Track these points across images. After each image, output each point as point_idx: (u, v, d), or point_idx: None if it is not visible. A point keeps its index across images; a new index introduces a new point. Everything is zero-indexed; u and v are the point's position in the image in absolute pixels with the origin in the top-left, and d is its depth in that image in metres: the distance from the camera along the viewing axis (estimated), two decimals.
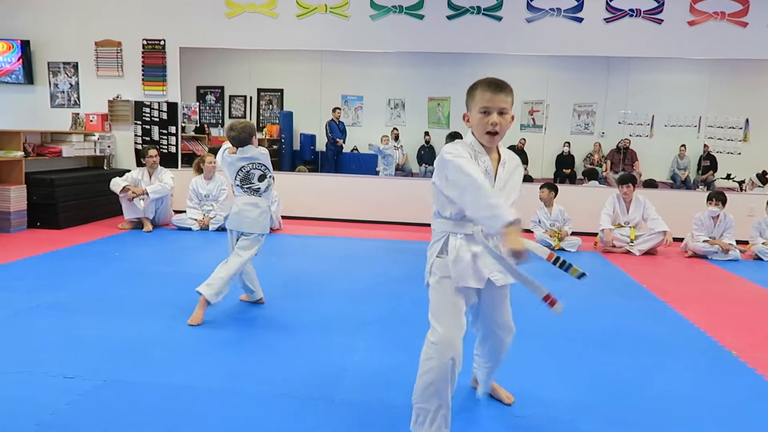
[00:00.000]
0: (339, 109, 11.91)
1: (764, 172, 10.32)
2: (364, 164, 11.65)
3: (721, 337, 3.61)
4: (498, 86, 2.03)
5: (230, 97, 12.78)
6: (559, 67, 11.67)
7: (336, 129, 11.55)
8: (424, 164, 12.65)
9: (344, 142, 11.83)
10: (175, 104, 8.18)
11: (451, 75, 12.70)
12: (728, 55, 7.63)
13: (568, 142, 12.11)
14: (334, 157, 11.60)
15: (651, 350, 3.36)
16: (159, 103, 8.18)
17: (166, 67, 8.18)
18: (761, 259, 6.27)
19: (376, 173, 10.89)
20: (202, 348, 3.16)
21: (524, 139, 10.28)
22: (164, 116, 8.18)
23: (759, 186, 10.13)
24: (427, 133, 12.95)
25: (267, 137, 12.92)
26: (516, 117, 12.71)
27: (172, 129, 8.20)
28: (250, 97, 13.43)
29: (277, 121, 12.99)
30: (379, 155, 11.60)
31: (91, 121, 8.14)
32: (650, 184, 10.03)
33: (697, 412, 2.59)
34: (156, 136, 8.21)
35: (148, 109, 8.18)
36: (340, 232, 7.21)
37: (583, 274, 1.98)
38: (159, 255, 5.52)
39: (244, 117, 13.39)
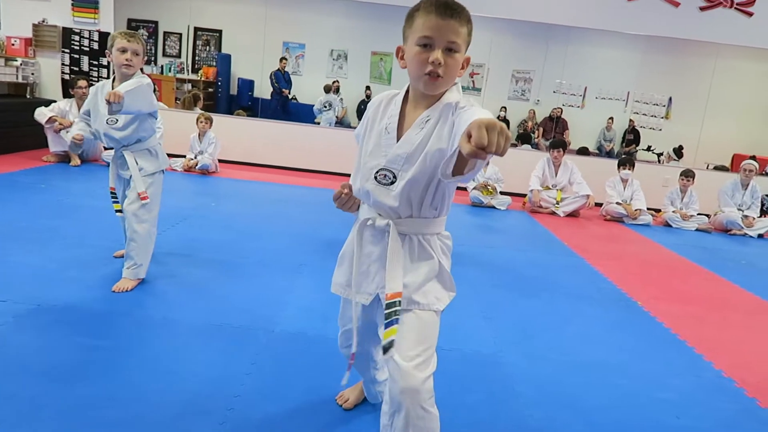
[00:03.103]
0: (285, 59, 11.66)
1: (680, 147, 11.06)
2: (303, 113, 11.52)
3: (630, 290, 3.96)
4: (449, 8, 1.41)
5: (164, 33, 12.21)
6: (503, 30, 11.86)
7: (282, 79, 11.34)
8: None
9: (289, 92, 11.64)
10: (108, 34, 7.74)
11: (396, 30, 12.51)
12: (660, 33, 8.01)
13: (505, 107, 12.44)
14: (279, 107, 11.42)
15: (568, 299, 3.65)
16: (90, 31, 7.72)
17: None
18: (671, 226, 6.80)
19: (316, 123, 10.82)
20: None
21: None
22: (95, 46, 7.73)
23: (675, 159, 10.86)
24: (368, 88, 12.90)
25: (203, 79, 12.49)
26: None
27: (104, 60, 7.78)
28: (187, 36, 12.88)
29: (215, 64, 12.56)
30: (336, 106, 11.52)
31: (13, 44, 7.60)
32: (583, 151, 10.52)
33: (604, 349, 2.88)
34: (86, 67, 7.77)
35: (77, 37, 7.71)
36: (278, 178, 7.18)
37: (388, 346, 1.48)
38: (89, 189, 5.34)
39: (179, 56, 12.85)
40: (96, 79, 7.68)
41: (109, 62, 7.75)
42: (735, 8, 7.57)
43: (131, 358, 2.25)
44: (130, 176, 2.97)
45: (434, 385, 1.50)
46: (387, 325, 1.48)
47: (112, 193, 3.10)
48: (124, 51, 2.83)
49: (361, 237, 1.63)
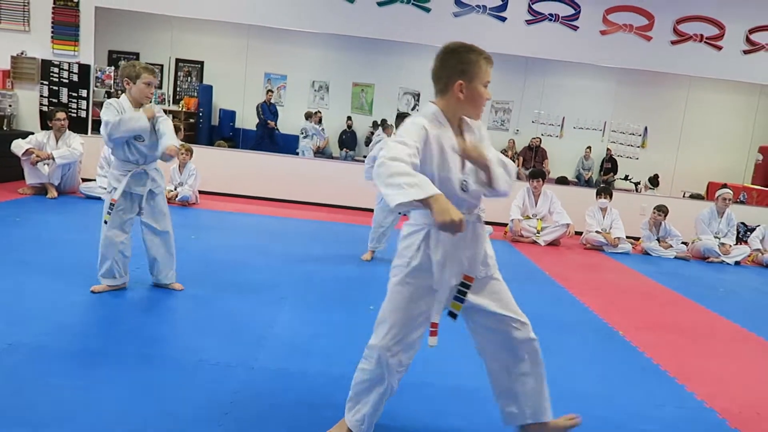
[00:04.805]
0: (271, 91, 11.77)
1: (656, 176, 11.27)
2: (286, 144, 11.54)
3: (611, 320, 3.97)
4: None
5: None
6: None
7: (267, 111, 11.43)
8: (345, 149, 12.71)
9: (276, 124, 11.69)
10: (88, 66, 7.74)
11: (377, 62, 12.81)
12: (633, 66, 8.23)
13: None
14: (264, 138, 11.45)
15: (550, 329, 3.63)
16: (70, 63, 7.70)
17: (79, 26, 7.71)
18: (650, 254, 6.87)
19: (296, 154, 10.84)
20: (117, 314, 3.09)
21: None
22: (75, 78, 7.71)
23: (650, 188, 11.05)
24: (349, 118, 13.00)
25: (184, 110, 12.49)
26: None
27: (83, 92, 7.76)
28: (168, 67, 12.91)
29: (196, 95, 12.58)
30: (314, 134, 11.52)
31: None
32: (562, 181, 10.66)
33: (587, 380, 2.88)
34: (65, 99, 7.73)
35: (57, 69, 7.68)
36: (259, 210, 7.15)
37: (454, 315, 2.00)
38: (66, 222, 5.26)
39: (160, 87, 12.86)
40: (75, 112, 7.64)
41: (88, 94, 7.72)
42: (705, 42, 7.82)
43: (104, 399, 2.19)
44: (147, 191, 3.35)
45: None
46: (461, 299, 1.98)
47: (112, 204, 3.32)
48: (149, 84, 3.26)
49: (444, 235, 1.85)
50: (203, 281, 3.83)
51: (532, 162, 10.82)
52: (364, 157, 12.49)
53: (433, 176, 1.82)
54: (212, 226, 5.94)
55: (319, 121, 12.07)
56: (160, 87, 12.83)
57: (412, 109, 13.10)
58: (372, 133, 12.76)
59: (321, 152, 11.83)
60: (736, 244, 7.05)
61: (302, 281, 4.14)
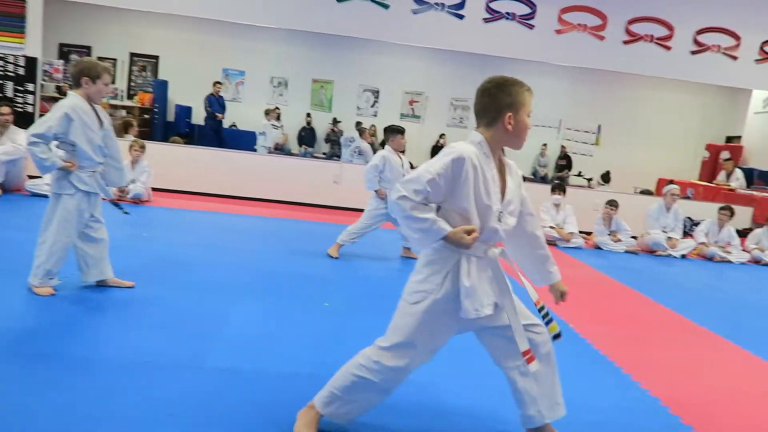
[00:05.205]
0: (219, 83, 11.53)
1: (607, 172, 11.59)
2: (243, 140, 11.38)
3: (563, 313, 4.05)
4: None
5: (98, 59, 11.85)
6: (440, 60, 12.20)
7: (215, 103, 11.18)
8: (304, 146, 12.63)
9: (224, 117, 11.49)
10: (35, 59, 7.45)
11: (337, 58, 12.77)
12: (587, 65, 8.41)
13: (444, 134, 12.71)
14: (212, 132, 11.23)
15: None
16: (15, 56, 7.41)
17: (25, 18, 7.41)
18: (601, 248, 7.06)
19: (254, 150, 10.71)
20: (62, 315, 3.00)
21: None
22: (21, 71, 7.42)
23: (602, 184, 11.36)
24: (309, 115, 12.91)
25: (138, 105, 12.19)
26: (396, 106, 13.10)
27: (30, 86, 7.47)
28: (122, 61, 12.58)
29: (151, 90, 12.30)
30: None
31: None
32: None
33: None
34: (10, 93, 7.43)
35: (2, 62, 7.38)
36: (215, 207, 7.03)
37: (558, 335, 2.07)
38: (10, 221, 5.07)
39: (114, 82, 12.52)
40: (21, 106, 7.36)
41: (35, 88, 7.45)
42: (655, 42, 8.05)
43: (45, 404, 2.12)
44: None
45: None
46: (548, 323, 2.08)
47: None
48: (107, 85, 3.29)
49: (475, 265, 1.97)
50: (154, 280, 3.75)
51: None
52: (324, 153, 12.47)
53: (468, 202, 1.91)
54: (166, 224, 5.82)
55: (278, 118, 11.95)
56: (113, 82, 12.51)
57: (372, 106, 13.11)
58: (333, 131, 12.72)
59: (280, 149, 11.72)
60: (683, 238, 7.30)
61: (258, 279, 4.10)
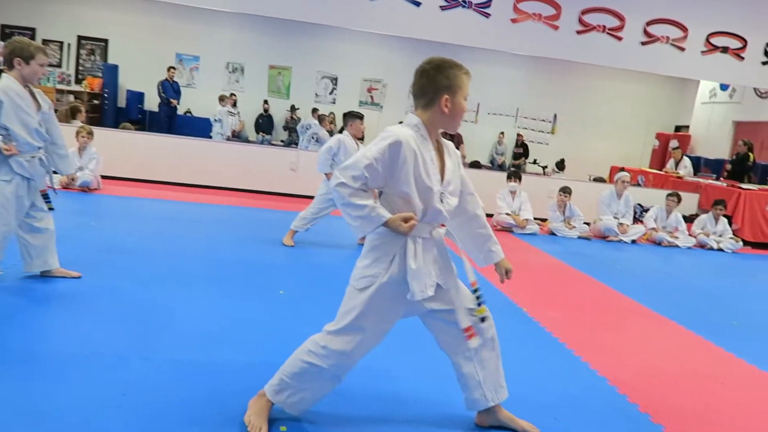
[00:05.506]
0: (173, 68, 11.22)
1: (562, 160, 11.84)
2: (198, 127, 11.13)
3: (517, 298, 4.13)
4: None
5: (43, 41, 11.39)
6: (399, 48, 12.16)
7: (170, 89, 10.88)
8: (261, 133, 12.44)
9: (178, 103, 11.20)
10: None
11: (294, 45, 12.60)
12: (542, 54, 8.51)
13: (402, 122, 12.69)
14: (166, 118, 10.93)
15: None
16: None
17: None
18: (555, 234, 7.20)
19: (210, 137, 10.49)
20: (4, 306, 2.87)
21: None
22: None
23: (557, 172, 11.59)
24: (266, 102, 12.71)
25: (87, 90, 11.77)
26: (355, 94, 13.03)
27: None
28: (68, 44, 12.10)
29: (101, 74, 11.89)
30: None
31: None
32: (476, 164, 10.94)
33: None
34: None
35: None
36: (168, 195, 6.85)
37: (484, 319, 2.13)
38: None
39: (60, 66, 12.05)
40: None
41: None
42: (607, 33, 8.21)
43: None
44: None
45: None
46: (480, 304, 2.13)
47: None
48: (42, 65, 3.13)
49: (421, 246, 1.98)
50: (102, 270, 3.63)
51: None
52: (282, 141, 12.31)
53: (408, 185, 1.91)
54: (115, 213, 5.65)
55: (234, 105, 11.72)
56: (59, 65, 12.02)
57: (330, 93, 13.00)
58: (291, 118, 12.56)
59: (237, 136, 11.50)
60: (633, 223, 7.51)
61: (211, 268, 4.02)
